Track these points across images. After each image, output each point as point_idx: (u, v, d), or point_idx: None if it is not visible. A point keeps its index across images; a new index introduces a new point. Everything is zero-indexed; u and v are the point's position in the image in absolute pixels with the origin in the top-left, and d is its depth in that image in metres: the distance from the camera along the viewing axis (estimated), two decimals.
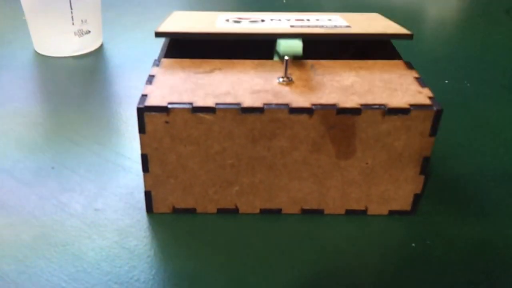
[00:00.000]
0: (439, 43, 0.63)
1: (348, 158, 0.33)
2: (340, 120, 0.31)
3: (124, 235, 0.33)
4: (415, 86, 0.33)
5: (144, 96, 0.32)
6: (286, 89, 0.33)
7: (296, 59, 0.36)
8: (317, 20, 0.41)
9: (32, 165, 0.39)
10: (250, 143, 0.32)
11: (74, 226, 0.34)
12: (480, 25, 0.70)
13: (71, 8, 0.54)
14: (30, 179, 0.38)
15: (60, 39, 0.55)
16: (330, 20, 0.41)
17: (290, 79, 0.33)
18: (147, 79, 0.34)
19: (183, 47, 0.42)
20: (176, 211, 0.35)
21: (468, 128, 0.45)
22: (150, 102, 0.31)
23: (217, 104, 0.31)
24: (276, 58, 0.37)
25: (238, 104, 0.31)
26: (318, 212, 0.35)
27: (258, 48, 0.42)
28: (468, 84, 0.53)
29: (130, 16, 0.69)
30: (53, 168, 0.39)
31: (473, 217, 0.35)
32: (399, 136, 0.32)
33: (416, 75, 0.35)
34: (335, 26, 0.38)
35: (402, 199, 0.34)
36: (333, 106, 0.31)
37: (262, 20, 0.41)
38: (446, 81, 0.53)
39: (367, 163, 0.33)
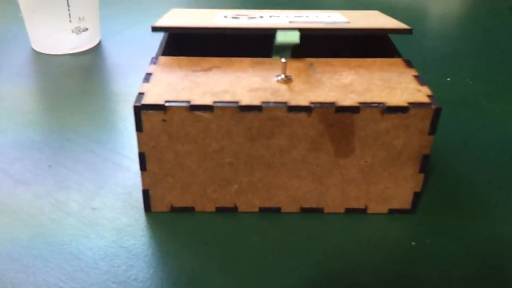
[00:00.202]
0: (442, 40, 0.63)
1: (347, 156, 0.32)
2: (339, 119, 0.31)
3: (122, 234, 0.33)
4: (414, 84, 0.33)
5: (141, 94, 0.31)
6: (284, 87, 0.32)
7: (293, 57, 0.36)
8: (316, 17, 0.41)
9: (29, 163, 0.39)
10: (248, 142, 0.32)
11: (71, 225, 0.33)
12: (483, 22, 0.70)
13: (68, 6, 0.53)
14: (27, 177, 0.38)
15: (58, 37, 0.55)
16: (329, 17, 0.41)
17: (288, 77, 0.33)
18: (144, 77, 0.34)
19: (180, 45, 0.41)
20: (174, 210, 0.34)
21: (470, 126, 0.45)
22: (147, 100, 0.31)
23: (215, 102, 0.31)
24: (274, 56, 0.37)
25: (236, 102, 0.31)
26: (318, 211, 0.35)
27: (256, 45, 0.42)
28: (470, 82, 0.53)
29: (128, 14, 0.69)
30: (50, 166, 0.39)
31: (473, 215, 0.35)
32: (398, 134, 0.32)
33: (415, 73, 0.34)
34: (334, 22, 0.38)
35: (402, 198, 0.34)
36: (331, 104, 0.31)
37: (261, 17, 0.40)
38: (448, 79, 0.53)
39: (366, 162, 0.33)
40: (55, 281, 0.29)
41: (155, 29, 0.36)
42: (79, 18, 0.55)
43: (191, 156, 0.32)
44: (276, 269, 0.31)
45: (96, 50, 0.58)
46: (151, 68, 0.34)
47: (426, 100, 0.31)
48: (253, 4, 0.74)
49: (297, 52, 0.36)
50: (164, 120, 0.31)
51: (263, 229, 0.33)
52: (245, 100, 0.31)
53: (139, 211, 0.35)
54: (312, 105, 0.31)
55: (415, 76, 0.34)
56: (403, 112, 0.31)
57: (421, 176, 0.33)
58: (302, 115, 0.31)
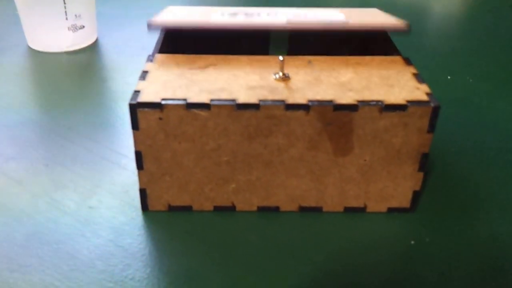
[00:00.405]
0: (442, 38, 0.63)
1: (346, 155, 0.32)
2: (337, 117, 0.31)
3: (118, 233, 0.33)
4: (413, 82, 0.33)
5: (137, 92, 0.31)
6: (282, 85, 0.32)
7: (291, 55, 0.35)
8: (314, 15, 0.41)
9: (25, 162, 0.39)
10: (246, 140, 0.32)
11: (67, 224, 0.33)
12: (484, 20, 0.69)
13: (65, 3, 0.53)
14: (22, 176, 0.37)
15: (54, 35, 0.55)
16: (327, 15, 0.41)
17: (286, 75, 0.33)
18: (140, 74, 0.33)
19: (177, 43, 0.41)
20: (171, 209, 0.34)
21: (470, 124, 0.45)
22: (143, 98, 0.31)
23: (211, 100, 0.30)
24: (272, 47, 0.36)
25: (233, 100, 0.30)
26: (316, 210, 0.34)
27: (253, 42, 0.41)
28: (471, 80, 0.53)
29: (125, 11, 0.69)
30: (46, 165, 0.39)
31: (473, 214, 0.35)
32: (396, 132, 0.31)
33: (414, 71, 0.34)
34: (331, 21, 0.38)
35: (401, 196, 0.34)
36: (329, 102, 0.31)
37: (259, 14, 0.40)
38: (449, 77, 0.53)
39: (365, 160, 0.32)
40: (51, 280, 0.29)
41: (150, 27, 0.36)
42: (76, 16, 0.55)
43: (188, 154, 0.32)
44: (274, 269, 0.30)
45: (93, 48, 0.57)
46: (148, 66, 0.34)
47: (425, 98, 0.31)
48: (252, 3, 0.74)
49: (295, 49, 0.36)
50: (160, 118, 0.31)
51: (261, 228, 0.33)
52: (242, 98, 0.31)
53: (136, 210, 0.34)
54: (310, 103, 0.30)
55: (414, 74, 0.34)
56: (401, 110, 0.31)
57: (420, 174, 0.33)
58: (300, 113, 0.31)
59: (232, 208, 0.34)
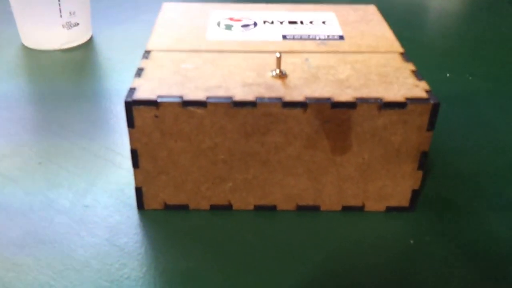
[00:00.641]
0: (441, 35, 0.63)
1: (344, 153, 0.32)
2: (335, 114, 0.30)
3: (114, 232, 0.32)
4: (411, 80, 0.33)
5: (132, 90, 0.31)
6: (279, 82, 0.32)
7: (288, 52, 0.35)
8: (311, 23, 0.40)
9: (19, 160, 0.38)
10: (242, 138, 0.31)
11: (62, 223, 0.33)
12: (483, 17, 0.69)
13: (59, 0, 0.53)
14: (16, 174, 0.37)
15: (48, 32, 0.54)
16: (324, 23, 0.40)
17: (283, 72, 0.33)
18: (136, 72, 0.33)
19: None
20: (168, 207, 0.34)
21: (469, 122, 0.45)
22: (139, 95, 0.30)
23: (208, 97, 0.30)
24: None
25: (230, 97, 0.30)
26: (314, 209, 0.34)
27: None
28: (470, 78, 0.52)
29: (120, 8, 0.68)
30: (40, 163, 0.38)
31: (472, 213, 0.35)
32: (395, 130, 0.31)
33: (413, 68, 0.34)
34: (328, 37, 0.38)
35: (400, 195, 0.34)
36: (327, 99, 0.30)
37: (255, 24, 0.40)
38: (448, 74, 0.53)
39: (363, 159, 0.32)
40: (46, 279, 0.29)
41: (146, 52, 0.35)
42: (70, 13, 0.54)
43: (185, 153, 0.32)
44: (271, 268, 0.30)
45: (88, 46, 0.57)
46: (143, 63, 0.34)
47: (424, 95, 0.31)
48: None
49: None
50: (156, 116, 0.30)
51: (258, 227, 0.33)
52: (239, 95, 0.30)
53: (131, 209, 0.34)
54: (307, 101, 0.30)
55: (413, 71, 0.34)
56: (400, 107, 0.30)
57: (420, 173, 0.33)
58: (297, 111, 0.30)
59: (228, 207, 0.34)
